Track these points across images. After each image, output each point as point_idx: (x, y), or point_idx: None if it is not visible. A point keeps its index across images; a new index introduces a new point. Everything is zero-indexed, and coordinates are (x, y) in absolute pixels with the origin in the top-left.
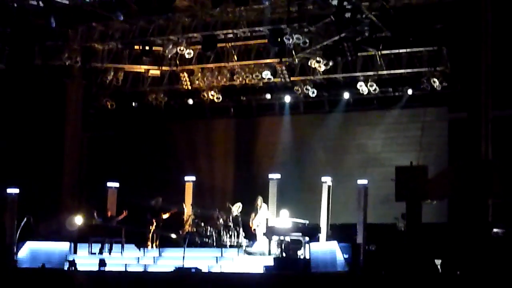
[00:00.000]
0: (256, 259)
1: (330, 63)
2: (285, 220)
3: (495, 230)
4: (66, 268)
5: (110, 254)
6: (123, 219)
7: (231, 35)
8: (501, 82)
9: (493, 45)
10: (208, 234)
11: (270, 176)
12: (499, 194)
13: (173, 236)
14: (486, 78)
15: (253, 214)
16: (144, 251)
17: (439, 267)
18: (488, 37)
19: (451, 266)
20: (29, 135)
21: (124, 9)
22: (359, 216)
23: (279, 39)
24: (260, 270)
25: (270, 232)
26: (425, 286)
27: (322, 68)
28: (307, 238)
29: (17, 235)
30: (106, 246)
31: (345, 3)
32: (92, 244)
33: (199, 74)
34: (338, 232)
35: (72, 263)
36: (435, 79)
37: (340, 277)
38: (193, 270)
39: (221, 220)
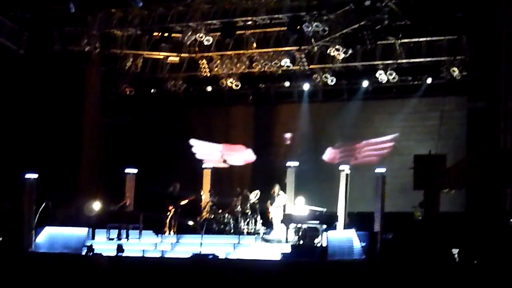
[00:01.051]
0: (274, 247)
1: (350, 51)
2: (302, 208)
3: None
4: (83, 253)
5: (128, 240)
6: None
7: (250, 22)
8: None
9: None
10: (225, 221)
11: (288, 163)
12: None
13: (191, 222)
14: (506, 67)
15: (269, 202)
16: (161, 237)
17: (456, 256)
18: (508, 26)
19: (468, 255)
20: (48, 120)
21: None
22: (376, 205)
23: (298, 27)
24: (278, 257)
25: (287, 219)
26: (441, 275)
27: (341, 56)
28: (324, 226)
29: (36, 220)
30: (124, 232)
31: None
32: (110, 230)
33: (218, 61)
34: (356, 220)
35: (90, 249)
36: (455, 68)
37: (356, 265)
38: (211, 257)
39: (238, 208)
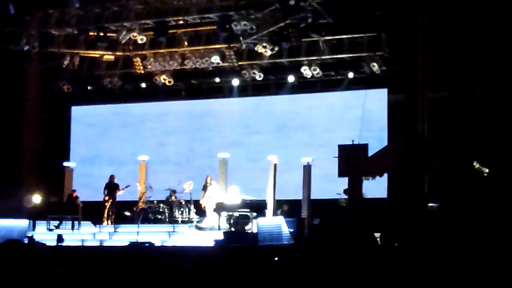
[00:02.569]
0: (207, 234)
1: (276, 48)
2: (234, 196)
3: (430, 204)
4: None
5: (73, 230)
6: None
7: (182, 22)
8: (437, 66)
9: (429, 30)
10: (161, 210)
11: (220, 155)
12: (434, 170)
13: (127, 213)
14: (423, 62)
15: (203, 192)
16: (100, 227)
17: (378, 239)
18: (424, 23)
19: (389, 238)
20: None
21: None
22: (303, 192)
23: (227, 26)
24: (211, 243)
25: (219, 208)
26: (365, 257)
27: (268, 53)
28: (254, 214)
29: None
30: (66, 223)
31: None
32: (50, 221)
33: (152, 59)
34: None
35: (31, 240)
36: (375, 63)
37: (285, 249)
38: (147, 244)
39: (173, 198)
